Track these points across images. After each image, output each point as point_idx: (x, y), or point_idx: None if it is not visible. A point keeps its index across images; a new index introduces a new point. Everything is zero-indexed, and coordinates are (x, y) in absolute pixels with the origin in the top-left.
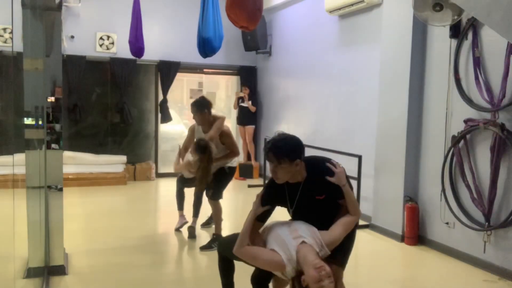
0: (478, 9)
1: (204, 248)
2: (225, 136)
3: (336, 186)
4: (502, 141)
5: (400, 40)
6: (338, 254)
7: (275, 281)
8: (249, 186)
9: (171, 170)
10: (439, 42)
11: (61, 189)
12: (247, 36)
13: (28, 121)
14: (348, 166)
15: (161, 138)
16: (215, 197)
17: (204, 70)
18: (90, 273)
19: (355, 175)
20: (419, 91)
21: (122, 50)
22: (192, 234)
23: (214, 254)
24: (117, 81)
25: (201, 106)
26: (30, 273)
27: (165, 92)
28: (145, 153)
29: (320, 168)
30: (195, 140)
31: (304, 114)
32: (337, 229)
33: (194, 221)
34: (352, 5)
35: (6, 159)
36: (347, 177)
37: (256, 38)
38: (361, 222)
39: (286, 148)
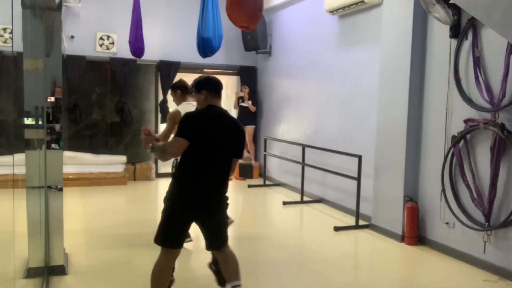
0: (478, 9)
1: None
2: None
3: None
4: (502, 141)
5: (400, 40)
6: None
7: (223, 267)
8: (249, 186)
9: (171, 170)
10: (439, 42)
11: (61, 189)
12: (247, 36)
13: (28, 121)
14: (348, 166)
15: None
16: None
17: (204, 70)
18: (90, 273)
19: (355, 175)
20: (419, 91)
21: (122, 50)
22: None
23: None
24: (117, 81)
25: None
26: (30, 273)
27: (165, 92)
28: (145, 153)
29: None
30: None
31: (304, 114)
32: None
33: None
34: (352, 5)
35: (6, 159)
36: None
37: (256, 38)
38: (361, 222)
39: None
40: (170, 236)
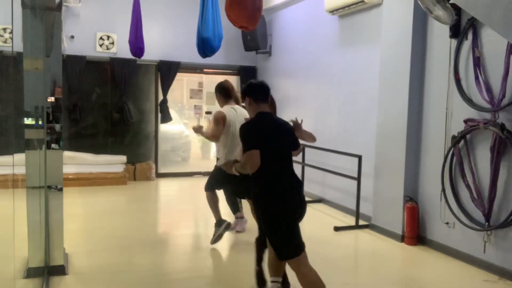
0: (478, 9)
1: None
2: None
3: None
4: (502, 141)
5: (400, 40)
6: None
7: (270, 263)
8: None
9: (171, 170)
10: (439, 42)
11: (61, 189)
12: (247, 36)
13: (28, 121)
14: (348, 166)
15: (161, 138)
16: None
17: (204, 70)
18: (90, 273)
19: (355, 175)
20: (419, 91)
21: (122, 50)
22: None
23: (213, 256)
24: (117, 81)
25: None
26: (30, 273)
27: (165, 92)
28: (145, 153)
29: (254, 119)
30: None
31: (304, 114)
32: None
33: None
34: (352, 5)
35: (6, 159)
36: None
37: (256, 38)
38: (361, 222)
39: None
40: (295, 243)
